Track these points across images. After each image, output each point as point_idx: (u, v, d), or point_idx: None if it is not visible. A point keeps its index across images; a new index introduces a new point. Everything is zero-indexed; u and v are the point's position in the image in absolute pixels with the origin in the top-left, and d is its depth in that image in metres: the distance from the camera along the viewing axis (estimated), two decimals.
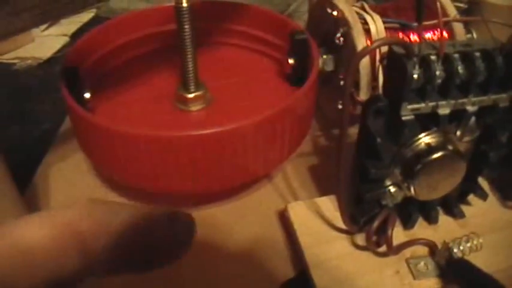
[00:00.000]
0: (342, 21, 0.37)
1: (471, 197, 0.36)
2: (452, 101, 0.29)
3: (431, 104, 0.29)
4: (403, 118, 0.29)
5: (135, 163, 0.33)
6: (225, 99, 0.39)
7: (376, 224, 0.31)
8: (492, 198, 0.37)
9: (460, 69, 0.28)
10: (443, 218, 0.36)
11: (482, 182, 0.37)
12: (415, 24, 0.37)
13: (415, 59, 0.28)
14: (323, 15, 0.39)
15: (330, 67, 0.39)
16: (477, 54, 0.29)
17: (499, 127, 0.31)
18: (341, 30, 0.36)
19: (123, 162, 0.33)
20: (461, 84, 0.29)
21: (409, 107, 0.29)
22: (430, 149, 0.31)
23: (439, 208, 0.35)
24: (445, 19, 0.38)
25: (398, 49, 0.28)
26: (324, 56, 0.39)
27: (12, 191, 0.33)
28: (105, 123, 0.32)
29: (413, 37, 0.38)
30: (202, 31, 0.42)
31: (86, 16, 0.58)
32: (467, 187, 0.35)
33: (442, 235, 0.34)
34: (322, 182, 0.39)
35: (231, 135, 0.31)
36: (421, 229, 0.35)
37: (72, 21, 0.56)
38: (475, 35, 0.40)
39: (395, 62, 0.28)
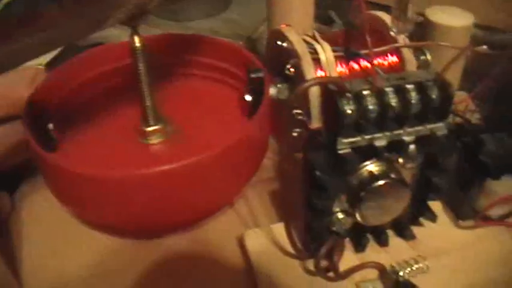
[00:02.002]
0: (291, 52, 0.38)
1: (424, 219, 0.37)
2: (388, 133, 0.30)
3: (367, 137, 0.30)
4: (340, 152, 0.30)
5: (91, 202, 0.34)
6: (187, 132, 0.40)
7: (323, 251, 0.32)
8: (446, 219, 0.38)
9: (394, 102, 0.30)
10: (397, 241, 0.37)
11: (437, 203, 0.39)
12: (364, 52, 0.38)
13: (348, 95, 0.29)
14: (276, 46, 0.40)
15: (284, 95, 0.40)
16: (410, 86, 0.30)
17: (440, 154, 0.32)
18: (291, 61, 0.37)
19: (78, 201, 0.34)
20: (396, 117, 0.30)
21: (346, 140, 0.30)
22: (373, 177, 0.32)
23: (390, 231, 0.37)
24: (394, 45, 0.39)
25: (331, 86, 0.29)
26: (279, 85, 0.40)
27: None
28: (58, 163, 0.33)
29: (363, 63, 0.39)
30: (164, 64, 0.43)
31: None
32: (417, 210, 0.36)
33: (394, 257, 0.35)
34: (283, 208, 0.40)
35: (182, 171, 0.33)
36: (375, 252, 0.36)
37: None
38: (429, 57, 0.41)
39: (329, 99, 0.29)
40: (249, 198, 0.41)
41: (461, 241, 0.36)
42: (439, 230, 0.37)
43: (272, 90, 0.39)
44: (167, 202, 0.34)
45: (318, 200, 0.31)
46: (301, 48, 0.37)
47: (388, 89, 0.30)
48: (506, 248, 0.36)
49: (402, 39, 0.39)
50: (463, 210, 0.37)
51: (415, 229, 0.37)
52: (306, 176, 0.32)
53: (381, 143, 0.30)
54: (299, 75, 0.38)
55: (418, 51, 0.41)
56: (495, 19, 0.53)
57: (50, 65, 0.58)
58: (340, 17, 0.57)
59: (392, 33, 0.37)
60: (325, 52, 0.38)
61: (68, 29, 0.31)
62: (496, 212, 0.38)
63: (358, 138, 0.30)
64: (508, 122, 0.35)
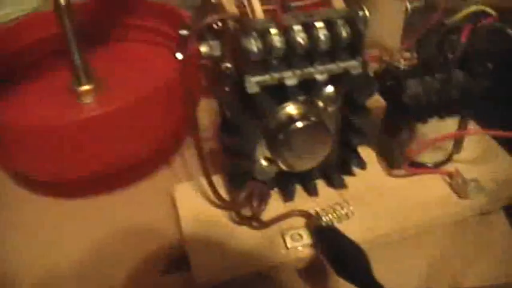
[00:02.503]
0: (220, 7, 0.38)
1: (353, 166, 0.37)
2: (298, 71, 0.30)
3: (276, 75, 0.30)
4: (249, 91, 0.30)
5: (23, 153, 0.34)
6: (117, 91, 0.40)
7: (242, 197, 0.32)
8: (378, 167, 0.38)
9: (301, 39, 0.29)
10: (328, 190, 0.36)
11: (370, 151, 0.38)
12: (294, 4, 0.38)
13: (253, 33, 0.29)
14: (206, 2, 0.40)
15: (217, 52, 0.40)
16: (318, 24, 0.30)
17: (357, 94, 0.32)
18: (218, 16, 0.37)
19: (11, 153, 0.34)
20: (306, 54, 0.30)
21: (254, 79, 0.29)
22: (291, 119, 0.31)
23: (321, 180, 0.36)
24: None
25: (235, 25, 0.29)
26: (211, 42, 0.40)
27: None
28: None
29: None
30: (99, 27, 0.43)
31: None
32: (346, 157, 0.36)
33: (322, 206, 0.35)
34: (216, 162, 0.40)
35: (107, 118, 0.33)
36: (304, 201, 0.35)
37: None
38: (367, 12, 0.41)
39: (235, 38, 0.29)
40: (185, 157, 0.41)
41: (392, 188, 0.36)
42: (370, 178, 0.37)
43: (204, 48, 0.39)
44: (93, 151, 0.34)
45: (231, 141, 0.31)
46: (227, 2, 0.37)
47: (295, 27, 0.29)
48: (437, 194, 0.35)
49: None
50: (394, 158, 0.36)
51: (348, 179, 0.36)
52: (221, 120, 0.32)
53: (291, 81, 0.30)
54: (226, 30, 0.37)
55: (356, 7, 0.41)
56: None
57: None
58: None
59: None
60: (253, 5, 0.38)
61: None
62: (431, 159, 0.37)
63: (266, 77, 0.30)
64: (432, 66, 0.34)
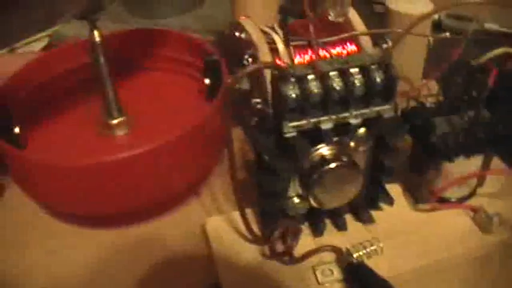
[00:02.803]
0: (249, 43, 0.39)
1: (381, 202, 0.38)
2: (334, 116, 0.31)
3: (312, 120, 0.31)
4: (286, 135, 0.31)
5: (59, 191, 0.35)
6: (148, 122, 0.41)
7: (276, 235, 0.33)
8: (404, 202, 0.39)
9: (337, 86, 0.30)
10: (356, 225, 0.37)
11: (396, 186, 0.39)
12: (322, 40, 0.39)
13: (292, 79, 0.30)
14: (235, 37, 0.41)
15: (245, 86, 0.41)
16: (354, 70, 0.31)
17: (388, 136, 0.33)
18: (248, 52, 0.38)
19: (46, 191, 0.35)
20: (341, 100, 0.31)
21: (291, 124, 0.30)
22: (324, 160, 0.32)
23: (348, 215, 0.37)
24: (351, 34, 0.40)
25: (275, 72, 0.30)
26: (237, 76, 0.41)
27: None
28: (24, 155, 0.34)
29: (323, 53, 0.40)
30: (124, 59, 0.44)
31: (39, 44, 0.60)
32: (374, 193, 0.37)
33: (351, 241, 0.36)
34: (246, 195, 0.41)
35: (147, 156, 0.34)
36: (333, 236, 0.36)
37: (25, 51, 0.59)
38: (390, 43, 0.42)
39: (274, 84, 0.30)
40: (213, 188, 0.42)
41: (418, 223, 0.37)
42: (397, 213, 0.37)
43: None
44: (127, 189, 0.35)
45: (267, 183, 0.32)
46: (258, 38, 0.38)
47: (331, 73, 0.30)
48: (462, 229, 0.36)
49: (362, 29, 0.40)
50: (421, 193, 0.37)
51: (375, 213, 0.37)
52: (257, 161, 0.33)
53: (326, 126, 0.31)
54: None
55: (379, 40, 0.42)
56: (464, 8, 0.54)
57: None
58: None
59: (330, 18, 0.38)
60: (283, 42, 0.39)
61: (21, 22, 0.32)
62: (455, 194, 0.38)
63: (303, 122, 0.31)
64: (458, 104, 0.35)
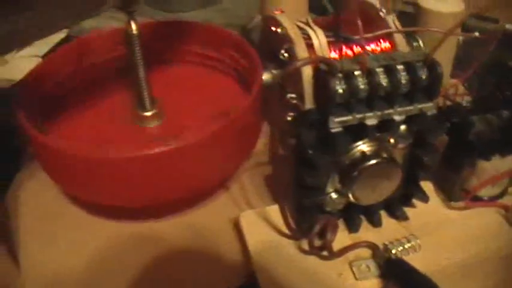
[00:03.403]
0: (285, 38, 0.38)
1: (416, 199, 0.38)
2: (379, 112, 0.31)
3: (358, 116, 0.31)
4: (332, 131, 0.31)
5: (91, 182, 0.35)
6: (180, 116, 0.40)
7: (316, 229, 0.33)
8: (437, 199, 0.39)
9: (384, 82, 0.30)
10: (390, 221, 0.37)
11: (429, 184, 0.39)
12: (357, 37, 0.39)
13: (339, 75, 0.30)
14: (270, 31, 0.40)
15: (279, 80, 0.41)
16: (400, 67, 0.31)
17: (429, 134, 0.33)
18: (285, 46, 0.38)
19: (79, 182, 0.35)
20: (386, 96, 0.31)
21: (337, 119, 0.30)
22: (365, 156, 0.32)
23: (383, 211, 0.37)
24: (385, 31, 0.40)
25: (323, 66, 0.30)
26: (273, 71, 0.40)
27: None
28: (58, 145, 0.34)
29: (356, 49, 0.40)
30: (158, 50, 0.44)
31: (58, 36, 0.60)
32: (409, 190, 0.37)
33: (386, 237, 0.36)
34: (277, 190, 0.41)
35: (181, 151, 0.33)
36: (367, 232, 0.37)
37: (44, 42, 0.58)
38: (421, 43, 0.42)
39: (320, 79, 0.30)
40: (243, 182, 0.42)
41: (451, 220, 0.37)
42: (430, 211, 0.38)
43: (266, 76, 0.40)
44: (163, 182, 0.35)
45: (309, 178, 0.32)
46: (294, 33, 0.38)
47: (378, 69, 0.30)
48: (494, 227, 0.37)
49: (393, 24, 0.40)
50: (454, 191, 0.38)
51: (408, 210, 0.38)
52: (298, 155, 0.33)
53: (371, 122, 0.31)
54: (293, 60, 0.38)
55: (410, 38, 0.42)
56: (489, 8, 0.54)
57: (46, 56, 0.58)
58: (334, 7, 0.58)
59: (382, 15, 0.38)
60: (318, 37, 0.38)
61: (62, 12, 0.32)
62: (487, 192, 0.38)
63: (349, 117, 0.31)
64: (495, 104, 0.36)
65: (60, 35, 0.60)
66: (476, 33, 0.44)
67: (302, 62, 0.29)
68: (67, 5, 0.32)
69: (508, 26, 0.59)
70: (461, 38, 0.45)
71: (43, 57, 0.58)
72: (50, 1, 0.31)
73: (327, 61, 0.29)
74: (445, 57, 0.45)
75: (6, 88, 0.55)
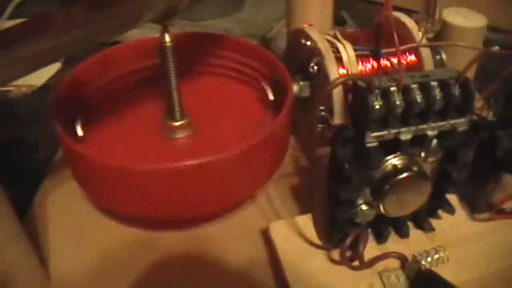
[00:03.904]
0: (315, 51, 0.39)
1: (442, 211, 0.39)
2: (413, 128, 0.32)
3: (393, 131, 0.32)
4: (368, 145, 0.31)
5: (121, 193, 0.35)
6: (209, 127, 0.41)
7: (348, 241, 0.34)
8: (461, 211, 0.40)
9: (419, 98, 0.31)
10: (415, 232, 0.38)
11: (453, 196, 0.40)
12: (385, 51, 0.40)
13: (376, 91, 0.31)
14: (299, 44, 0.41)
15: (306, 93, 0.41)
16: (434, 84, 0.32)
17: (459, 149, 0.34)
18: (314, 59, 0.39)
19: (109, 192, 0.35)
20: (421, 112, 0.32)
21: (373, 134, 0.31)
22: (396, 170, 0.33)
23: (410, 223, 0.38)
24: (414, 45, 0.41)
25: (361, 83, 0.31)
26: (301, 83, 0.41)
27: (10, 217, 0.35)
28: (93, 156, 0.34)
29: (384, 62, 0.40)
30: (186, 61, 0.44)
31: None
32: (436, 203, 0.37)
33: (413, 248, 0.36)
34: (303, 200, 0.42)
35: (213, 165, 0.34)
36: (394, 243, 0.37)
37: None
38: (444, 56, 0.43)
39: (358, 95, 0.31)
40: (269, 193, 0.43)
41: (477, 232, 0.38)
42: (456, 223, 0.38)
43: (295, 88, 0.41)
44: (191, 195, 0.35)
45: (344, 192, 0.33)
46: (324, 47, 0.39)
47: (413, 86, 0.31)
48: None
49: (419, 38, 0.41)
50: (479, 204, 0.38)
51: (434, 222, 0.38)
52: (333, 169, 0.33)
53: (406, 137, 0.32)
54: (322, 73, 0.39)
55: (433, 51, 0.43)
56: (507, 21, 0.55)
57: (66, 63, 0.59)
58: (352, 18, 0.59)
59: (419, 33, 0.39)
60: (347, 51, 0.39)
61: (100, 27, 0.32)
62: (510, 205, 0.39)
63: (385, 132, 0.31)
64: None
65: None
66: (497, 47, 0.45)
67: (341, 80, 0.30)
68: (105, 20, 0.32)
69: None
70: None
71: (63, 63, 0.59)
72: (85, 19, 0.31)
73: (366, 78, 0.30)
74: (467, 72, 0.46)
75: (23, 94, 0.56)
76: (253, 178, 0.37)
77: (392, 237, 0.38)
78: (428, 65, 0.41)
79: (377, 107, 0.30)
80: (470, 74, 0.47)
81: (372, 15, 0.46)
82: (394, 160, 0.34)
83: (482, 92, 0.43)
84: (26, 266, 0.34)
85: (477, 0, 0.61)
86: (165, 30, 0.37)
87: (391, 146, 0.32)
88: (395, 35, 0.31)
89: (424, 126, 0.32)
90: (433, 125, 0.32)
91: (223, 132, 0.40)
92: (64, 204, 0.42)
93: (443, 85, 0.32)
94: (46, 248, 0.39)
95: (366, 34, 0.43)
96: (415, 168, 0.33)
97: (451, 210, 0.37)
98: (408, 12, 0.59)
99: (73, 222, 0.41)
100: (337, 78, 0.30)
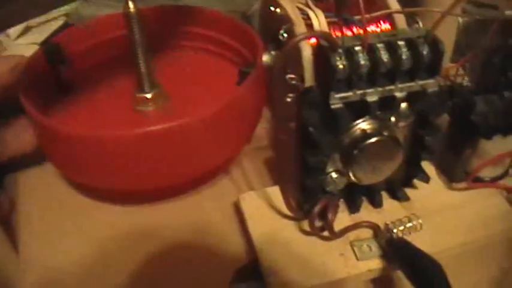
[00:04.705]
0: (285, 18, 0.38)
1: (418, 181, 0.37)
2: (380, 89, 0.31)
3: (359, 92, 0.30)
4: (333, 107, 0.30)
5: (88, 165, 0.35)
6: (180, 100, 0.40)
7: (316, 209, 0.33)
8: (438, 181, 0.39)
9: (385, 58, 0.30)
10: (390, 202, 0.37)
11: (430, 167, 0.39)
12: (357, 18, 0.39)
13: (340, 50, 0.29)
14: (270, 13, 0.40)
15: (278, 62, 0.40)
16: (401, 43, 0.30)
17: (431, 112, 0.33)
18: (284, 26, 0.38)
19: (74, 163, 0.35)
20: (388, 72, 0.31)
21: (338, 96, 0.30)
22: (365, 135, 0.32)
23: (384, 193, 0.37)
24: (386, 11, 0.39)
25: (323, 42, 0.30)
26: (273, 52, 0.40)
27: None
28: (58, 126, 0.34)
29: (357, 30, 0.39)
30: (163, 35, 0.43)
31: (56, 24, 0.59)
32: (411, 172, 0.36)
33: (387, 218, 0.35)
34: (277, 173, 0.41)
35: (177, 131, 0.33)
36: (368, 213, 0.36)
37: (42, 30, 0.58)
38: (421, 24, 0.42)
39: (321, 55, 0.30)
40: (243, 166, 0.42)
41: (454, 202, 0.37)
42: (432, 192, 0.37)
43: (265, 58, 0.40)
44: (160, 164, 0.34)
45: (311, 157, 0.32)
46: (294, 14, 0.38)
47: (379, 45, 0.30)
48: (497, 209, 0.36)
49: (393, 5, 0.39)
50: (456, 173, 0.37)
51: (410, 192, 0.37)
52: (300, 135, 0.32)
53: (372, 98, 0.31)
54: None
55: (410, 20, 0.42)
56: None
57: (44, 44, 0.58)
58: None
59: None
60: (318, 17, 0.38)
61: None
62: (489, 173, 0.38)
63: (350, 93, 0.30)
64: (497, 85, 0.35)
65: (58, 22, 0.60)
66: (477, 17, 0.44)
67: (301, 37, 0.29)
68: None
69: (508, 12, 0.58)
70: (461, 22, 0.44)
71: (41, 44, 0.58)
72: None
73: (328, 36, 0.29)
74: (446, 40, 0.45)
75: None
76: (220, 147, 0.36)
77: (367, 207, 0.37)
78: None
79: (340, 66, 0.29)
80: (449, 47, 0.46)
81: None
82: (363, 124, 0.32)
83: (459, 61, 0.42)
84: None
85: None
86: None
87: (359, 109, 0.31)
88: (361, 1, 0.29)
89: (392, 87, 0.31)
90: (400, 86, 0.31)
91: (193, 103, 0.39)
92: (39, 181, 0.41)
93: (411, 44, 0.30)
94: (18, 227, 0.38)
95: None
96: (385, 133, 0.32)
97: (425, 178, 0.36)
98: None
99: (47, 199, 0.40)
100: (299, 35, 0.29)
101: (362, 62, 0.30)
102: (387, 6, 0.40)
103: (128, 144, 0.33)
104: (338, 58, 0.29)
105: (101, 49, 0.44)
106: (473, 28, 0.47)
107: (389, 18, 0.40)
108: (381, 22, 0.41)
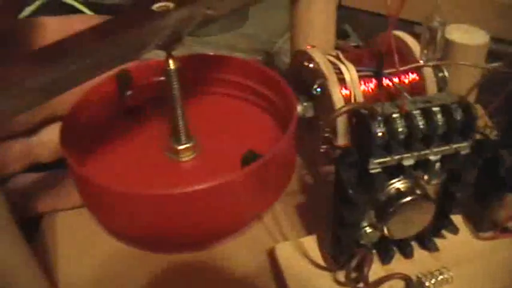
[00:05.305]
0: (318, 73, 0.40)
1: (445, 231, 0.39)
2: (416, 153, 0.32)
3: (396, 157, 0.32)
4: (371, 171, 0.32)
5: (126, 218, 0.36)
6: (215, 149, 0.41)
7: (353, 263, 0.34)
8: (465, 230, 0.40)
9: (421, 124, 0.32)
10: (420, 252, 0.38)
11: (457, 215, 0.40)
12: (387, 71, 0.40)
13: (379, 118, 0.31)
14: (302, 66, 0.42)
15: (310, 113, 0.42)
16: (436, 109, 0.32)
17: (462, 170, 0.34)
18: (317, 81, 0.39)
19: (116, 218, 0.36)
20: (423, 137, 0.32)
21: (376, 161, 0.32)
22: (400, 193, 0.34)
23: (414, 243, 0.38)
24: (416, 65, 0.41)
25: (363, 110, 0.31)
26: (305, 104, 0.42)
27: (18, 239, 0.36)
28: (99, 181, 0.35)
29: (385, 81, 0.41)
30: (191, 82, 0.45)
31: None
32: (440, 223, 0.38)
33: (418, 269, 0.37)
34: (309, 219, 0.42)
35: (224, 188, 0.34)
36: (399, 263, 0.38)
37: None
38: (446, 74, 0.43)
39: (361, 122, 0.31)
40: (276, 212, 0.43)
41: (481, 251, 0.38)
42: (460, 241, 0.39)
43: (299, 109, 0.41)
44: (200, 219, 0.35)
45: (349, 215, 0.33)
46: (327, 69, 0.39)
47: (415, 112, 0.32)
48: None
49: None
50: (483, 223, 0.39)
51: (438, 241, 0.39)
52: (338, 193, 0.34)
53: (409, 162, 0.32)
54: (325, 94, 0.40)
55: (436, 69, 0.43)
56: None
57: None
58: (355, 30, 0.59)
59: (421, 62, 0.39)
60: (350, 72, 0.40)
61: (107, 56, 0.33)
62: None
63: (388, 159, 0.32)
64: None
65: None
66: (500, 63, 0.45)
67: (345, 109, 0.30)
68: (110, 50, 0.33)
69: None
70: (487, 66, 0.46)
71: None
72: (93, 48, 0.32)
73: (368, 107, 0.30)
74: (469, 87, 0.47)
75: None
76: (260, 199, 0.37)
77: (398, 257, 0.38)
78: (431, 83, 0.41)
79: (380, 134, 0.31)
80: (474, 91, 0.47)
81: (375, 27, 0.46)
82: (397, 184, 0.34)
83: (487, 107, 0.43)
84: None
85: (480, 12, 0.62)
86: (169, 56, 0.37)
87: (395, 171, 0.33)
88: (395, 56, 0.31)
89: (427, 151, 0.33)
90: (435, 150, 0.33)
91: (229, 153, 0.41)
92: (73, 225, 0.43)
93: (445, 110, 0.32)
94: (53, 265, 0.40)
95: (368, 53, 0.43)
96: (418, 191, 0.34)
97: (454, 230, 0.38)
98: (411, 24, 0.59)
99: (81, 244, 0.41)
100: (341, 107, 0.31)
101: (400, 129, 0.31)
102: (415, 59, 0.41)
103: (173, 203, 0.34)
104: (377, 125, 0.31)
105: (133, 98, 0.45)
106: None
107: (417, 69, 0.42)
108: (409, 73, 0.42)
